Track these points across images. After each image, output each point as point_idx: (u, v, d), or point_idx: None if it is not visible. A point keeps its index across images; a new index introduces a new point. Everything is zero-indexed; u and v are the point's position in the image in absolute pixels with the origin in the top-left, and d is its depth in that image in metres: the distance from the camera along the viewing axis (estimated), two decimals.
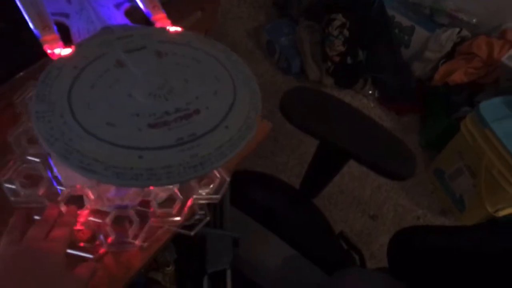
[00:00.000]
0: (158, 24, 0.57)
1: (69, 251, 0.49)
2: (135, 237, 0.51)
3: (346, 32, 1.72)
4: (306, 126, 0.75)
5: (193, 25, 1.03)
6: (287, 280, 0.78)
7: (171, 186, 0.54)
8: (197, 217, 0.57)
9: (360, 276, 0.71)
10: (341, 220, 1.48)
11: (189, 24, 1.01)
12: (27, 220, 0.42)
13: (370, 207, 1.54)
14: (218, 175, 0.57)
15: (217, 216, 0.76)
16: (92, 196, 0.50)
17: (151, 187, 0.52)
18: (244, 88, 0.48)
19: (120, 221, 0.52)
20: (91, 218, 0.50)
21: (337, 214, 1.49)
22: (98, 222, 0.50)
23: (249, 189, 0.84)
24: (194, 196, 0.54)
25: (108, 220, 0.50)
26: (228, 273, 0.69)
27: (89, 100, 0.42)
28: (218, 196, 0.56)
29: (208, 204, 0.60)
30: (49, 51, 0.49)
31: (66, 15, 0.55)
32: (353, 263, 0.85)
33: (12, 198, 0.48)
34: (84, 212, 0.50)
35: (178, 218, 0.53)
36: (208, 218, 0.57)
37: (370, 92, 1.85)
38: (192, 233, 0.56)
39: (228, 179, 0.57)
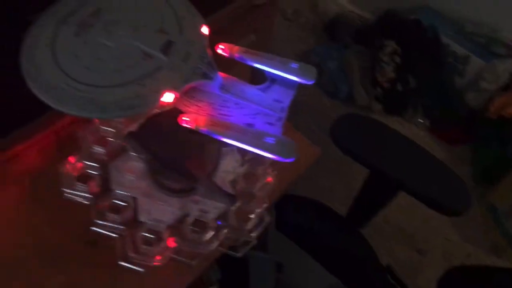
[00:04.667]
0: None
1: (120, 263, 0.50)
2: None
3: (397, 59, 1.69)
4: (357, 155, 0.74)
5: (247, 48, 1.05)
6: None
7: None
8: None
9: None
10: (386, 251, 1.43)
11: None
12: None
13: (417, 241, 1.48)
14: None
15: (261, 238, 0.76)
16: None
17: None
18: None
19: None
20: (145, 234, 0.51)
21: (381, 244, 1.44)
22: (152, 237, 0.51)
23: (295, 214, 0.83)
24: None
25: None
26: None
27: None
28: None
29: None
30: None
31: None
32: None
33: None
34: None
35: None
36: (256, 241, 0.57)
37: (421, 120, 1.80)
38: (239, 255, 0.56)
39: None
